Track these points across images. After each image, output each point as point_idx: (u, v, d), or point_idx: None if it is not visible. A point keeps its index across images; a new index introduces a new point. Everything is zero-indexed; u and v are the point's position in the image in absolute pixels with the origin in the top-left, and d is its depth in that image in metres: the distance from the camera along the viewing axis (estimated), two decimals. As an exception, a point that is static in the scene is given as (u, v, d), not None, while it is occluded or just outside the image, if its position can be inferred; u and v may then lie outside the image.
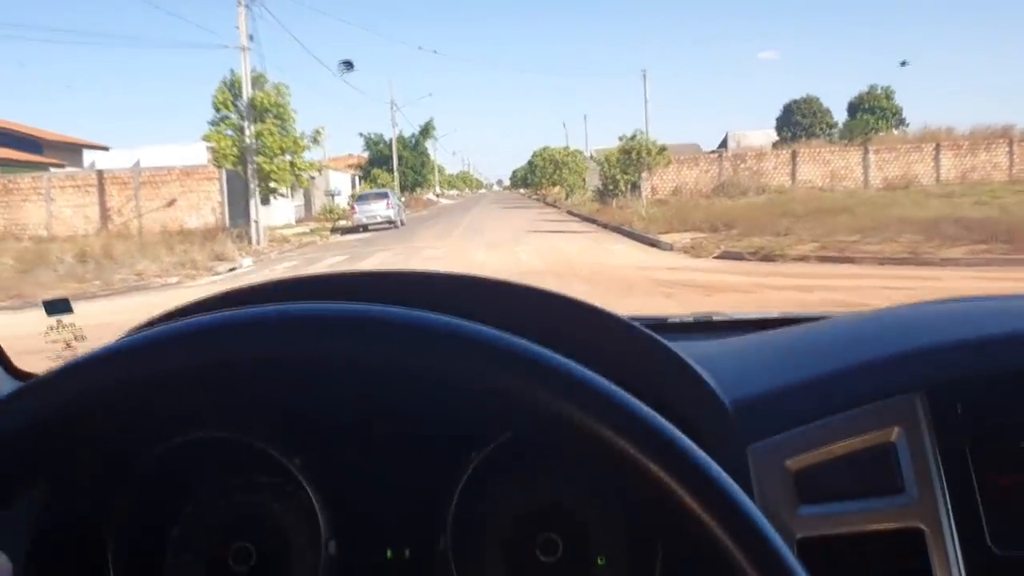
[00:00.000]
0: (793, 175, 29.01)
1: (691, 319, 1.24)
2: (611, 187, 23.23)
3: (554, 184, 37.82)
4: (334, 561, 0.76)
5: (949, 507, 0.65)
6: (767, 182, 28.10)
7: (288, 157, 18.17)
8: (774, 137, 46.75)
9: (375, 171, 39.43)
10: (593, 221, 21.02)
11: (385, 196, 24.86)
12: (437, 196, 56.79)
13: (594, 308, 0.72)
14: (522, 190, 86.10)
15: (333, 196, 31.30)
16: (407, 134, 45.07)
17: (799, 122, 50.49)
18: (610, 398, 0.43)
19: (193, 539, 0.79)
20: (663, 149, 23.96)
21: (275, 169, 18.35)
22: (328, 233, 22.93)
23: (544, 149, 40.32)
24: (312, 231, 23.30)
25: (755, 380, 0.74)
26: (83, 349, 0.84)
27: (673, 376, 0.70)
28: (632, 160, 22.62)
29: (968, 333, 0.73)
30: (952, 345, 0.72)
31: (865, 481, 0.66)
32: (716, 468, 0.43)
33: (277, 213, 24.95)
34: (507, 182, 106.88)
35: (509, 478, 0.78)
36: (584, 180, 35.17)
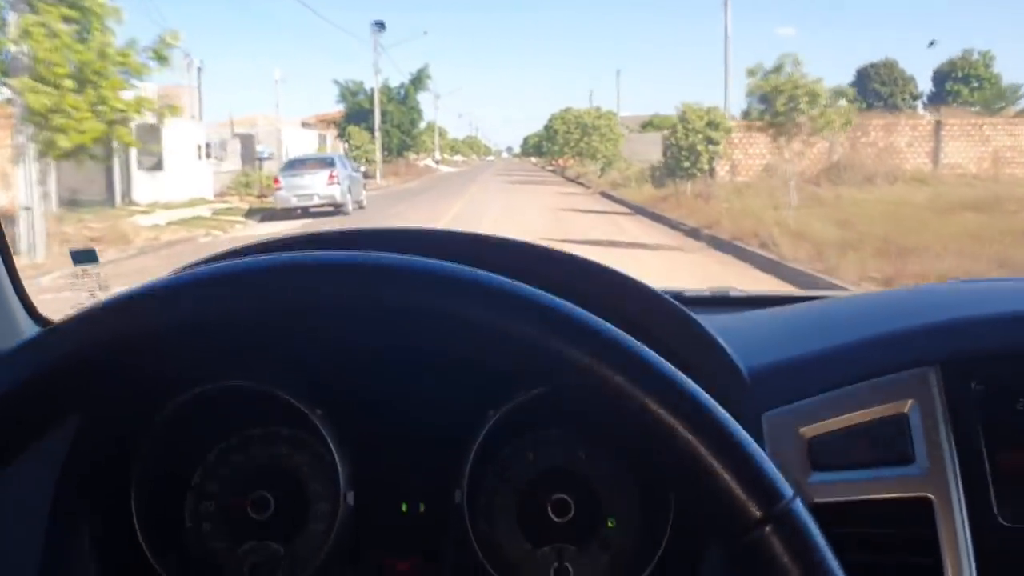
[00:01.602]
0: (935, 155, 20.31)
1: (708, 294, 1.28)
2: (687, 162, 14.66)
3: (579, 154, 29.10)
4: (352, 512, 0.78)
5: (959, 479, 0.67)
6: (898, 163, 19.41)
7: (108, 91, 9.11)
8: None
9: (351, 128, 30.68)
10: (667, 222, 12.64)
11: (328, 165, 16.30)
12: (437, 163, 48.36)
13: (621, 275, 0.75)
14: (534, 159, 77.31)
15: (261, 161, 22.56)
16: (396, 84, 35.86)
17: (876, 90, 41.00)
18: (636, 353, 0.43)
19: (213, 486, 0.81)
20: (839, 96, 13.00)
21: (63, 108, 8.58)
22: (238, 219, 14.59)
23: (566, 111, 31.62)
24: (214, 215, 14.90)
25: (771, 350, 0.77)
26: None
27: (693, 343, 0.72)
28: (783, 112, 11.41)
29: (985, 310, 0.76)
30: (968, 321, 0.74)
31: (877, 451, 0.68)
32: (737, 427, 0.43)
33: (178, 182, 16.47)
34: (517, 150, 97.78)
35: (525, 439, 0.82)
36: (620, 151, 26.53)
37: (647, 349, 0.44)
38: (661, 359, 0.44)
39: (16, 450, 0.45)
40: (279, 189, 15.48)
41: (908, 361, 0.71)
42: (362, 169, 21.79)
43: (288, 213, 14.98)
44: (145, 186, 16.00)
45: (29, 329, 0.86)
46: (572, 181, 27.97)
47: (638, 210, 14.89)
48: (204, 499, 0.82)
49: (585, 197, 20.22)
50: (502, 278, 0.45)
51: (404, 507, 0.83)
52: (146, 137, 14.86)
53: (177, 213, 14.64)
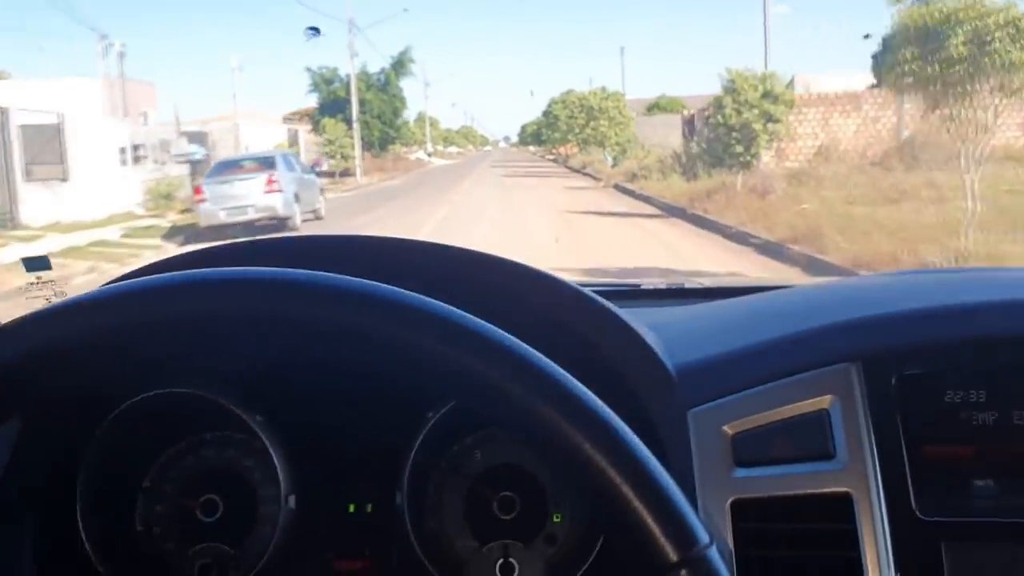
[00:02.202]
0: (1033, 127, 16.66)
1: (664, 286, 1.29)
2: (738, 146, 11.03)
3: (585, 141, 25.51)
4: (294, 515, 0.80)
5: (878, 473, 0.68)
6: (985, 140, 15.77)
7: None
8: (865, 81, 33.30)
9: (325, 120, 27.15)
10: (720, 229, 9.20)
11: (267, 166, 12.64)
12: (429, 155, 44.88)
13: (545, 275, 0.77)
14: (531, 148, 73.57)
15: (193, 162, 18.48)
16: (375, 70, 32.15)
17: (906, 60, 36.98)
18: (521, 358, 0.44)
19: (163, 490, 0.84)
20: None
21: None
22: (153, 243, 11.16)
23: (568, 94, 27.98)
24: (125, 237, 11.47)
25: (703, 347, 0.78)
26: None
27: (618, 342, 0.74)
28: (960, 57, 6.49)
29: (905, 306, 0.76)
30: (888, 317, 0.75)
31: (798, 447, 0.69)
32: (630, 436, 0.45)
33: (91, 196, 12.98)
34: (515, 139, 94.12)
35: (468, 439, 0.84)
36: (632, 137, 22.90)
37: (568, 378, 0.44)
38: (584, 390, 0.44)
39: None
40: (202, 201, 11.99)
41: (830, 357, 0.72)
42: (322, 167, 18.11)
43: (220, 233, 11.41)
44: (40, 203, 12.50)
45: None
46: (578, 172, 24.55)
47: (672, 211, 11.44)
48: (154, 502, 0.84)
49: (597, 192, 16.79)
50: (404, 292, 0.46)
51: (352, 508, 0.86)
52: (36, 140, 11.36)
53: (77, 237, 11.16)
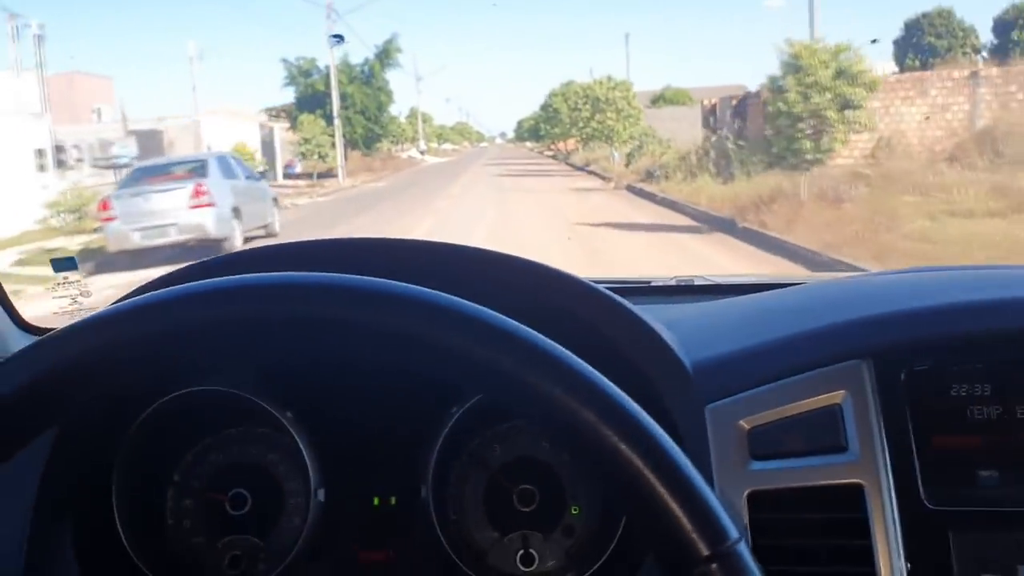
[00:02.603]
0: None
1: (673, 282, 1.36)
2: (806, 141, 8.40)
3: (589, 137, 22.94)
4: (323, 507, 0.87)
5: (888, 465, 0.72)
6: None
7: None
8: (890, 68, 30.45)
9: (303, 117, 24.62)
10: (800, 254, 6.65)
11: (198, 174, 10.30)
12: (422, 153, 42.44)
13: (559, 273, 0.81)
14: (528, 144, 71.03)
15: (116, 166, 15.55)
16: (358, 60, 29.48)
17: (931, 44, 34.27)
18: (545, 353, 0.47)
19: (192, 485, 0.91)
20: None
21: None
22: (43, 272, 8.38)
23: (568, 85, 25.48)
24: (19, 264, 8.86)
25: (717, 343, 0.83)
26: (88, 304, 1.04)
27: (636, 339, 0.79)
28: None
29: (913, 303, 0.81)
30: (898, 315, 0.80)
31: (812, 440, 0.73)
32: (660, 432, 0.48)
33: None
34: (511, 135, 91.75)
35: (489, 433, 0.91)
36: (646, 130, 20.35)
37: (595, 373, 0.47)
38: (611, 385, 0.47)
39: (3, 457, 0.50)
40: (109, 220, 9.65)
41: (841, 354, 0.77)
42: (295, 169, 15.32)
43: (138, 259, 8.78)
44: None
45: (16, 337, 1.02)
46: (583, 171, 21.94)
47: (713, 223, 9.13)
48: (185, 497, 0.91)
49: (609, 195, 14.80)
50: (435, 292, 0.49)
51: (376, 501, 0.91)
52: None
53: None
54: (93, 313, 0.51)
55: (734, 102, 14.93)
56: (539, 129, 37.48)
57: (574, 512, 0.89)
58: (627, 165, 18.78)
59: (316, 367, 0.85)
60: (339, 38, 18.68)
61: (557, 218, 11.30)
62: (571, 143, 26.70)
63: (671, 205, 12.02)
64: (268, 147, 24.16)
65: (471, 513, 0.90)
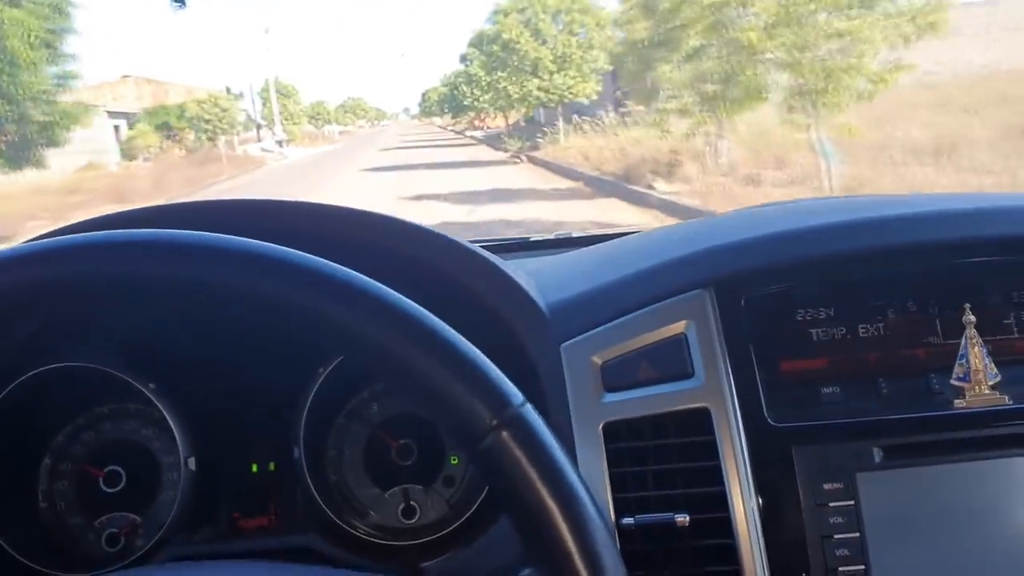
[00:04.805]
0: None
1: (552, 236, 1.42)
2: None
3: (538, 100, 12.89)
4: (195, 476, 0.86)
5: (732, 388, 0.76)
6: None
7: None
8: None
9: None
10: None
11: None
12: (280, 144, 31.22)
13: (416, 226, 0.83)
14: (438, 121, 59.33)
15: None
16: None
17: None
18: (361, 288, 0.47)
19: (65, 466, 0.91)
20: None
21: None
22: None
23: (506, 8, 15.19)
24: None
25: (572, 286, 0.86)
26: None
27: (494, 286, 0.82)
28: None
29: (752, 233, 0.84)
30: (734, 245, 0.83)
31: (660, 370, 0.77)
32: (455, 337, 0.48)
33: None
34: (416, 111, 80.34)
35: (366, 391, 0.93)
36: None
37: (376, 284, 0.48)
38: (392, 294, 0.47)
39: None
40: None
41: (683, 285, 0.80)
42: None
43: None
44: None
45: None
46: (542, 166, 11.86)
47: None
48: (56, 478, 0.91)
49: None
50: (241, 240, 0.48)
51: (255, 468, 0.91)
52: None
53: None
54: None
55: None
56: (455, 98, 27.30)
57: (453, 462, 0.92)
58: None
59: (174, 336, 0.87)
60: (180, 3, 8.80)
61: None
62: (493, 117, 16.85)
63: None
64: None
65: (351, 472, 0.92)
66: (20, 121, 13.29)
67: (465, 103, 24.13)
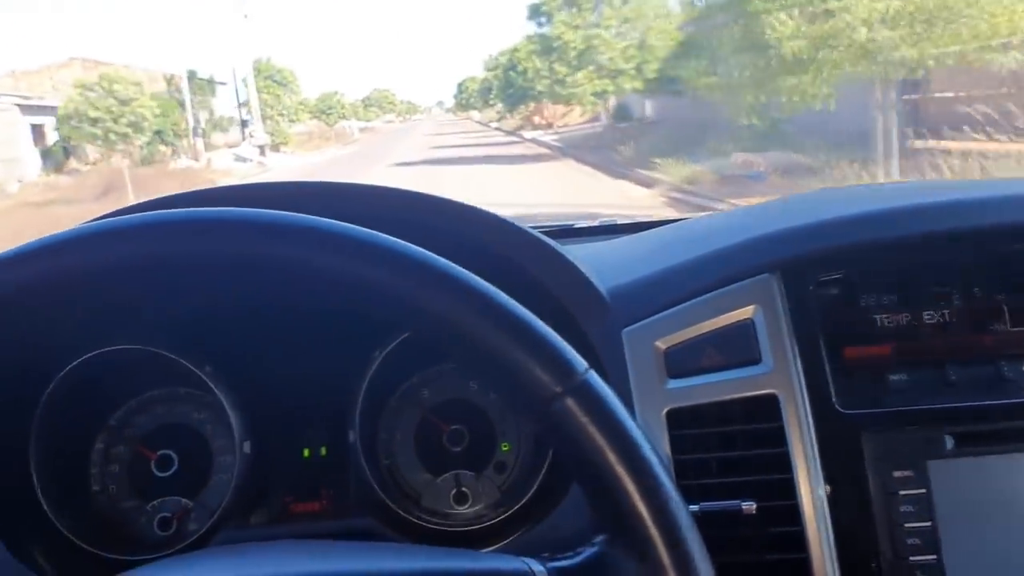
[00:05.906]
0: None
1: (597, 223, 1.41)
2: None
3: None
4: (250, 461, 0.86)
5: (800, 374, 0.76)
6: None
7: None
8: None
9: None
10: None
11: None
12: (261, 149, 24.85)
13: (481, 211, 0.83)
14: (475, 115, 57.27)
15: None
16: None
17: None
18: (433, 267, 0.48)
19: (117, 449, 0.91)
20: None
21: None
22: None
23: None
24: None
25: (633, 271, 0.86)
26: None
27: (555, 272, 0.82)
28: None
29: (818, 217, 0.84)
30: (802, 228, 0.83)
31: (726, 355, 0.77)
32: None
33: None
34: (450, 103, 78.86)
35: (417, 376, 0.93)
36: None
37: (443, 261, 0.48)
38: (458, 269, 0.48)
39: None
40: None
41: (750, 269, 0.80)
42: None
43: None
44: None
45: None
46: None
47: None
48: (109, 462, 0.91)
49: None
50: (311, 218, 0.48)
51: (307, 452, 0.92)
52: None
53: None
54: None
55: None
56: (506, 84, 19.26)
57: (504, 449, 0.92)
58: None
59: (231, 318, 0.88)
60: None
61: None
62: (553, 112, 12.91)
63: None
64: None
65: (402, 456, 0.92)
66: None
67: (531, 89, 15.55)
